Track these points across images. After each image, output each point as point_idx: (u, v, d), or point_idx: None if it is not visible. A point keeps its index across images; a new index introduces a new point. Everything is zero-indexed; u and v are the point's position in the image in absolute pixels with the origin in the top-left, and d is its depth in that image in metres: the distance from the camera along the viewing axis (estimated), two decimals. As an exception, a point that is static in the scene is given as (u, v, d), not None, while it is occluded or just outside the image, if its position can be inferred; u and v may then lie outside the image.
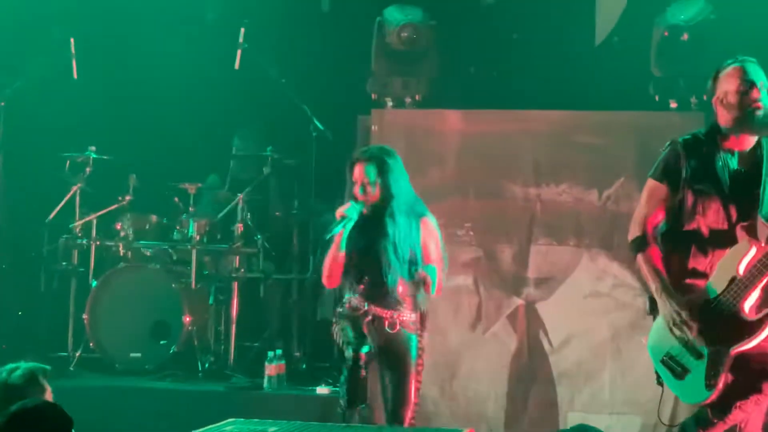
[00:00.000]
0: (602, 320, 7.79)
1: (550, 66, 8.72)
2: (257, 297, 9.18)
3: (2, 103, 8.84)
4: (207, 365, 8.80)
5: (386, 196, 6.29)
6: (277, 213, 9.37)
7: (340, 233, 6.27)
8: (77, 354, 8.86)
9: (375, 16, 8.56)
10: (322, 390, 8.21)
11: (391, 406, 6.31)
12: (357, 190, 6.33)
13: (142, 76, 9.78)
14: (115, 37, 9.84)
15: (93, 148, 9.15)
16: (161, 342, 8.80)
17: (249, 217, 8.99)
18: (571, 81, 8.53)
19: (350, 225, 6.28)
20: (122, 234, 9.07)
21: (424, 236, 6.33)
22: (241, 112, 9.76)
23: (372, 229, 6.29)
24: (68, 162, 9.15)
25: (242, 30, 8.95)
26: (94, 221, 9.07)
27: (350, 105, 8.81)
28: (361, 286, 6.32)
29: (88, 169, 9.12)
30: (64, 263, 9.13)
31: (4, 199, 9.01)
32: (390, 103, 8.56)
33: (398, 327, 6.30)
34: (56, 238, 9.15)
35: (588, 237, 7.87)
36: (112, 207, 9.12)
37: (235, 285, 8.85)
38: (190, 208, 9.07)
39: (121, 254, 9.11)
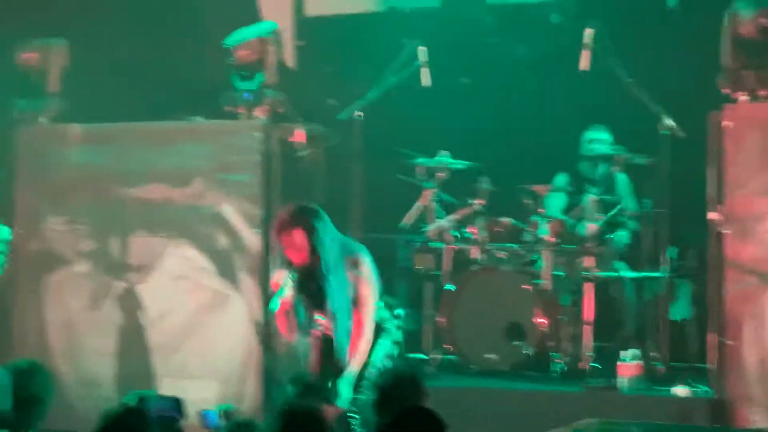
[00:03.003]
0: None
1: None
2: (610, 296, 9.12)
3: (361, 114, 9.14)
4: (561, 366, 8.82)
5: (316, 258, 6.62)
6: (628, 213, 9.28)
7: (283, 306, 6.73)
8: (434, 356, 9.07)
9: (723, 8, 8.35)
10: (680, 391, 8.08)
11: None
12: (288, 256, 6.71)
13: (489, 81, 9.92)
14: (462, 44, 10.03)
15: (445, 153, 9.34)
16: (515, 343, 8.88)
17: (600, 217, 8.95)
18: None
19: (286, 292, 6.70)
20: (476, 237, 9.21)
21: (351, 279, 6.70)
22: (588, 112, 9.72)
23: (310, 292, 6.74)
24: (422, 168, 9.39)
25: (588, 31, 8.92)
26: (448, 225, 9.26)
27: (700, 101, 8.62)
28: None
29: (441, 175, 9.33)
30: (419, 267, 9.36)
31: (363, 207, 9.32)
32: (744, 98, 8.33)
33: None
34: (411, 244, 9.40)
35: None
36: (466, 211, 9.28)
37: (588, 285, 8.82)
38: (541, 210, 9.12)
39: (476, 257, 9.25)
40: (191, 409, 5.70)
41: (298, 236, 6.67)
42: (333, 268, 6.69)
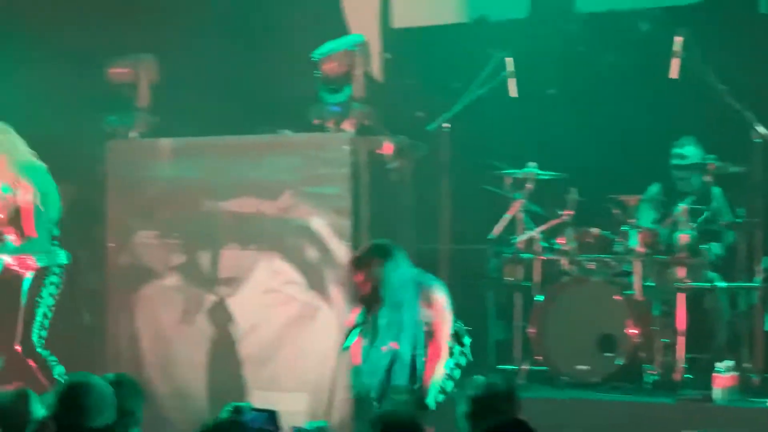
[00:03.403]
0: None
1: None
2: (703, 307, 9.01)
3: (448, 125, 9.13)
4: (654, 377, 8.73)
5: (380, 296, 6.97)
6: (722, 222, 9.16)
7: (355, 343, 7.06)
8: (524, 367, 9.03)
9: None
10: (775, 402, 7.97)
11: None
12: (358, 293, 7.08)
13: (577, 90, 9.86)
14: (550, 54, 9.99)
15: (533, 164, 9.30)
16: (607, 354, 8.81)
17: (692, 226, 8.85)
18: None
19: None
20: (565, 248, 9.16)
21: (426, 311, 7.09)
22: (679, 121, 9.62)
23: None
24: (509, 179, 9.35)
25: (677, 39, 8.82)
26: (537, 236, 9.22)
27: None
28: None
29: (529, 185, 9.29)
30: (508, 278, 9.32)
31: (451, 218, 9.31)
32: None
33: None
34: (500, 255, 9.37)
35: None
36: (554, 222, 9.23)
37: (681, 296, 8.71)
38: (631, 220, 9.03)
39: (565, 268, 9.20)
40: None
41: (365, 275, 7.03)
42: (405, 303, 7.06)
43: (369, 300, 7.04)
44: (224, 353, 9.02)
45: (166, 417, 8.90)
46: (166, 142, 9.32)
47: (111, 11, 9.71)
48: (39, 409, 5.10)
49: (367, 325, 7.06)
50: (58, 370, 7.92)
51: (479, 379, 5.28)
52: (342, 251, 8.68)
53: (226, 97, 9.67)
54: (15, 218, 7.91)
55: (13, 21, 9.58)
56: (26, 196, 7.82)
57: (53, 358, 7.96)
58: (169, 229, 9.18)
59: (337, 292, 8.71)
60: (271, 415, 4.82)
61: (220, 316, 9.04)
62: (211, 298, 9.06)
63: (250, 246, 8.97)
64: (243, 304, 9.00)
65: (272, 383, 8.83)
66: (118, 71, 9.46)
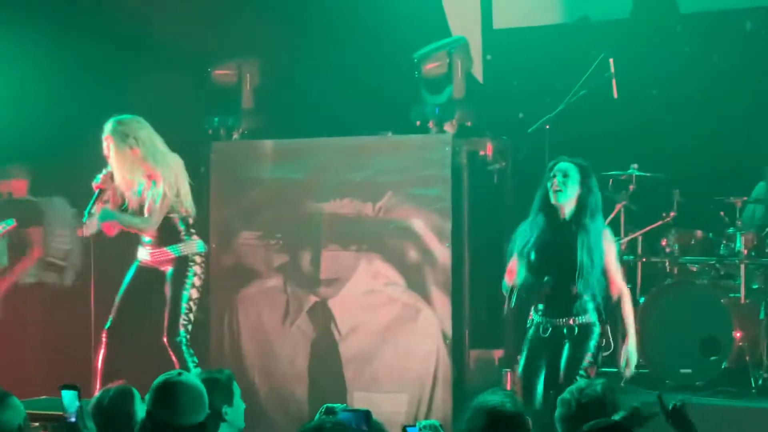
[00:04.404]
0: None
1: None
2: (810, 311, 8.86)
3: (547, 126, 9.09)
4: (761, 381, 8.61)
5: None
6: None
7: None
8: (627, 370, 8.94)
9: None
10: None
11: None
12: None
13: (680, 91, 9.77)
14: (653, 54, 9.90)
15: (635, 165, 9.22)
16: (711, 358, 8.70)
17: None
18: None
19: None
20: (668, 250, 9.07)
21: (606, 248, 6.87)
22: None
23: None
24: (611, 180, 9.28)
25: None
26: (640, 238, 9.14)
27: None
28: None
29: (631, 187, 9.20)
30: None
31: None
32: None
33: None
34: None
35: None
36: (657, 223, 9.15)
37: (786, 299, 8.59)
38: (737, 222, 8.92)
39: (668, 270, 9.11)
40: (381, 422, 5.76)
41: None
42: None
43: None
44: (325, 354, 9.07)
45: (266, 416, 8.97)
46: (268, 144, 9.41)
47: (214, 13, 9.81)
48: (143, 409, 5.14)
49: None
50: (195, 372, 7.86)
51: (581, 382, 5.24)
52: (443, 253, 8.69)
53: (328, 99, 9.73)
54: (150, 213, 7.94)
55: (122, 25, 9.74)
56: (162, 187, 7.87)
57: (194, 359, 7.96)
58: (271, 230, 9.27)
59: (438, 294, 8.71)
60: (364, 415, 4.83)
61: (321, 316, 9.10)
62: (312, 299, 9.12)
63: (351, 247, 9.01)
64: (344, 305, 9.04)
65: (373, 384, 8.87)
66: (222, 73, 9.57)
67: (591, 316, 6.90)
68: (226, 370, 5.65)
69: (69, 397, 5.35)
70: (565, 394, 5.24)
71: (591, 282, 6.82)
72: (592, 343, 6.89)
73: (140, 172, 7.89)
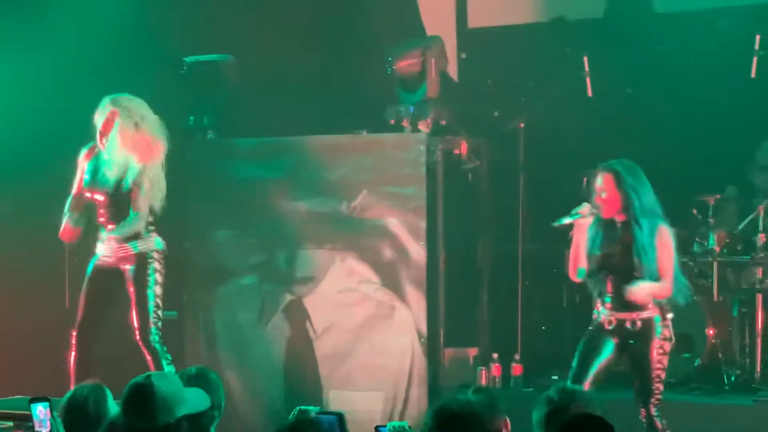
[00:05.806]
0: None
1: None
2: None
3: (522, 125, 9.11)
4: (733, 378, 8.66)
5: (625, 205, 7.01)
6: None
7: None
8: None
9: None
10: None
11: None
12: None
13: (654, 90, 9.80)
14: (627, 53, 9.93)
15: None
16: (685, 355, 8.74)
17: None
18: None
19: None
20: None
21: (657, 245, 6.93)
22: (760, 120, 9.52)
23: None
24: (585, 179, 9.29)
25: (758, 37, 8.73)
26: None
27: None
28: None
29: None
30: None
31: (527, 218, 9.30)
32: None
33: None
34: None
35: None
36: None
37: (759, 297, 8.63)
38: (710, 220, 8.96)
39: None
40: (356, 420, 5.76)
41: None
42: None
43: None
44: (300, 352, 9.08)
45: (240, 415, 8.97)
46: (243, 143, 9.40)
47: (189, 12, 9.79)
48: (114, 408, 5.13)
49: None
50: (169, 370, 7.78)
51: (557, 385, 5.22)
52: (418, 251, 8.70)
53: (302, 98, 9.72)
54: (115, 203, 7.90)
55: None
56: (152, 176, 7.82)
57: (168, 356, 7.95)
58: (246, 229, 9.26)
59: (413, 292, 8.72)
60: (337, 419, 4.84)
61: (297, 315, 9.10)
62: (287, 297, 9.12)
63: (327, 245, 9.02)
64: (319, 304, 9.05)
65: (348, 382, 8.88)
66: (197, 72, 9.55)
67: (652, 312, 6.99)
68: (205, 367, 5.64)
69: (40, 411, 5.20)
70: (543, 396, 5.20)
71: (647, 279, 6.93)
72: (657, 336, 6.99)
73: (136, 156, 7.84)
